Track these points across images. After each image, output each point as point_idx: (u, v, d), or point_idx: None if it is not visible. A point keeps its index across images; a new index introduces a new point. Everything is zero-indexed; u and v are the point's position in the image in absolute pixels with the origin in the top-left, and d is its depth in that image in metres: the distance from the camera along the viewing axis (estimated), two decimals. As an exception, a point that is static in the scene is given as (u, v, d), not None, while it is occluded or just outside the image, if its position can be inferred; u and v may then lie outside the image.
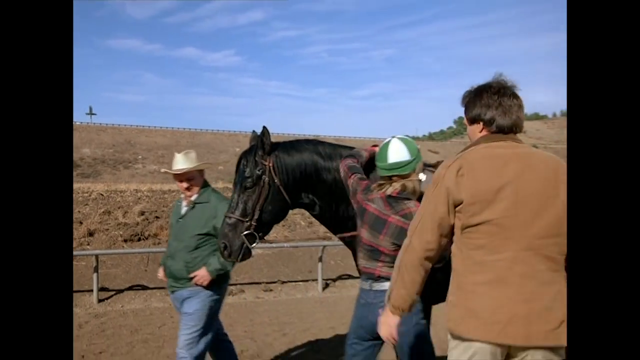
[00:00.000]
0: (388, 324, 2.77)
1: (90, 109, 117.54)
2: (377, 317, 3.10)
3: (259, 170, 3.74)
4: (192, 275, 4.48)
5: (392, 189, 3.38)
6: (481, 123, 2.64)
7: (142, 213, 15.52)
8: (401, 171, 3.41)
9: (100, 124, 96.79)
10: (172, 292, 4.65)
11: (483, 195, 2.40)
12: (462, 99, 2.79)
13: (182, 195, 4.78)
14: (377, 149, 3.79)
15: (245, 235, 3.72)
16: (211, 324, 4.60)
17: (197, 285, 4.47)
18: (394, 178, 3.43)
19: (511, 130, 2.61)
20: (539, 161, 2.49)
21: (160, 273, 4.88)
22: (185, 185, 4.60)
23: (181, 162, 4.60)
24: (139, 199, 18.38)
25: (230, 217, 3.76)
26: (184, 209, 4.70)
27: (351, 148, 4.07)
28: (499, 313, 2.34)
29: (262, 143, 3.77)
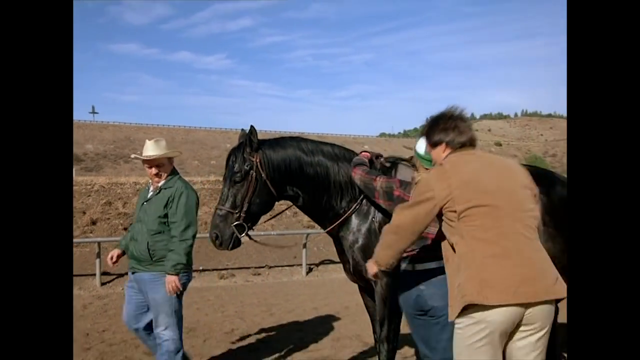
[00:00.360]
0: (371, 267, 3.11)
1: (93, 108, 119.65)
2: (421, 292, 3.31)
3: (247, 166, 3.75)
4: (166, 279, 4.17)
5: None
6: (444, 144, 2.88)
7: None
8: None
9: (102, 122, 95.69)
10: (133, 272, 4.36)
11: (469, 185, 2.64)
12: (422, 130, 3.07)
13: (150, 182, 4.56)
14: (367, 154, 3.95)
15: (235, 225, 3.74)
16: (181, 304, 4.38)
17: (170, 292, 4.18)
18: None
19: (470, 144, 2.87)
20: (496, 159, 2.92)
21: (113, 258, 4.46)
22: (154, 171, 4.36)
23: (151, 149, 4.35)
24: (138, 190, 18.20)
25: (221, 209, 3.77)
26: (150, 194, 4.46)
27: (333, 144, 4.13)
28: (509, 279, 2.51)
29: (249, 141, 3.78)
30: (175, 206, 4.27)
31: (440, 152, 2.92)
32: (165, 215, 4.27)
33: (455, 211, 2.64)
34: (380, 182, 3.59)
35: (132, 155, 4.59)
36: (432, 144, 2.96)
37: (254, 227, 3.91)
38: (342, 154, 4.06)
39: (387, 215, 3.91)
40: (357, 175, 3.75)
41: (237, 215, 3.74)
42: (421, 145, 3.46)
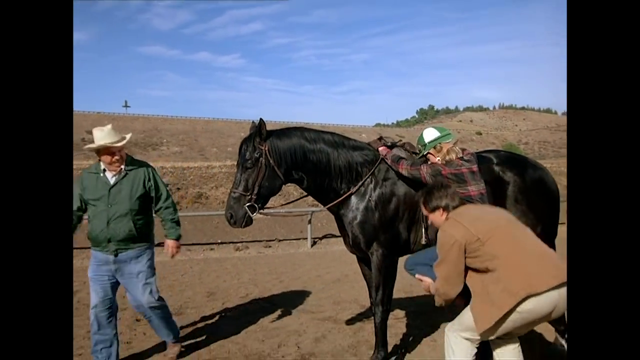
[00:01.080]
0: (426, 284, 3.25)
1: (126, 102, 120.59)
2: None
3: (257, 154, 3.72)
4: (169, 249, 4.22)
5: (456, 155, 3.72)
6: (441, 209, 3.11)
7: (167, 185, 15.47)
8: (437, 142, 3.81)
9: (134, 114, 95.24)
10: (116, 254, 3.93)
11: (478, 221, 2.91)
12: (421, 199, 3.27)
13: (101, 168, 3.98)
14: (384, 148, 4.06)
15: (247, 206, 3.72)
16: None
17: (172, 255, 4.25)
18: (432, 151, 3.82)
19: (459, 205, 3.12)
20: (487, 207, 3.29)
21: None
22: (117, 157, 3.92)
23: (112, 136, 3.90)
24: (164, 174, 18.21)
25: (234, 192, 3.74)
26: (112, 179, 3.96)
27: (332, 133, 4.09)
28: (545, 267, 2.73)
29: (259, 131, 3.75)
30: (154, 182, 4.13)
31: (439, 216, 3.12)
32: (144, 195, 4.04)
33: (479, 239, 2.81)
34: (425, 169, 3.66)
35: (96, 145, 3.85)
36: (431, 210, 3.15)
37: (264, 207, 3.89)
38: (341, 141, 4.02)
39: (383, 196, 3.89)
40: (403, 168, 3.80)
41: (249, 197, 3.71)
42: (428, 135, 3.85)
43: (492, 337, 2.91)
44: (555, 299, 2.66)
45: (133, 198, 3.96)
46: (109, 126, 4.00)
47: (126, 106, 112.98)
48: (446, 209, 3.09)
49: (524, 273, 2.69)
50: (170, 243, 4.25)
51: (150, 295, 4.09)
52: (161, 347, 4.62)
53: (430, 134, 3.87)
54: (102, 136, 3.86)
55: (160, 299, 4.21)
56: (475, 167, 3.67)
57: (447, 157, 3.69)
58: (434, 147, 3.80)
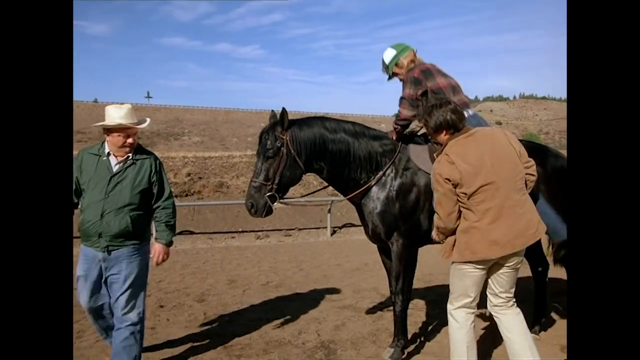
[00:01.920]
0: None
1: (148, 93, 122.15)
2: None
3: (278, 143, 3.69)
4: (157, 254, 3.61)
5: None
6: (444, 130, 3.08)
7: (189, 175, 15.61)
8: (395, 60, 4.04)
9: (156, 105, 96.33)
10: (109, 251, 3.39)
11: (473, 172, 2.90)
12: (422, 120, 3.25)
13: (106, 150, 3.50)
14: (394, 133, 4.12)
15: (268, 196, 3.69)
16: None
17: (157, 262, 3.62)
18: (396, 69, 4.05)
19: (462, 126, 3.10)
20: (488, 134, 3.07)
21: None
22: (130, 141, 3.47)
23: (133, 117, 3.48)
24: (186, 163, 18.39)
25: (255, 182, 3.71)
26: (115, 165, 3.47)
27: (353, 123, 4.06)
28: (508, 235, 2.92)
29: (281, 120, 3.72)
30: (159, 177, 3.63)
31: (443, 136, 3.10)
32: (147, 189, 3.55)
33: (465, 193, 2.92)
34: (404, 103, 3.94)
35: (109, 123, 3.40)
36: (434, 130, 3.11)
37: (284, 197, 3.88)
38: (362, 130, 3.99)
39: (403, 186, 3.87)
40: (395, 123, 4.03)
41: (270, 187, 3.69)
42: (387, 56, 4.06)
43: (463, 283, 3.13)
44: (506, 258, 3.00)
45: (135, 190, 3.46)
46: (129, 105, 3.51)
47: (148, 97, 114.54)
48: (449, 128, 3.04)
49: (488, 239, 2.91)
50: (159, 248, 3.64)
51: (131, 309, 3.47)
52: (185, 333, 4.69)
53: (388, 54, 4.07)
54: (120, 115, 3.41)
55: (141, 317, 3.54)
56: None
57: (410, 67, 3.94)
58: (396, 65, 4.03)
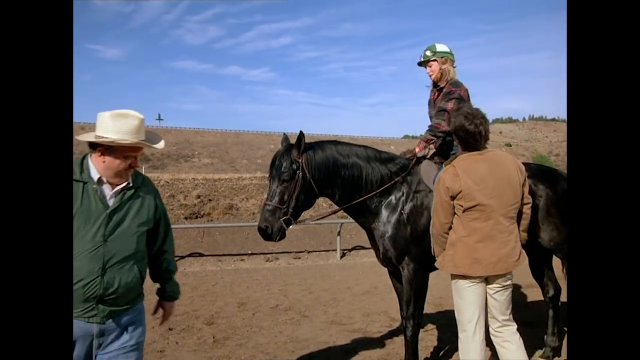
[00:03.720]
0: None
1: (159, 115, 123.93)
2: None
3: (294, 166, 3.68)
4: (167, 313, 2.92)
5: None
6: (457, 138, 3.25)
7: (199, 197, 15.64)
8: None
9: (167, 127, 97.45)
10: (103, 321, 2.34)
11: (472, 187, 3.00)
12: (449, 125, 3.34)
13: (94, 174, 2.35)
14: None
15: (284, 220, 3.67)
16: None
17: (163, 322, 2.95)
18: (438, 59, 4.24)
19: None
20: (498, 157, 3.16)
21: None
22: (134, 163, 2.44)
23: (143, 131, 2.43)
24: (196, 185, 18.45)
25: (269, 205, 3.66)
26: (111, 198, 2.38)
27: (365, 147, 4.07)
28: (491, 258, 3.03)
29: (298, 144, 3.70)
30: (161, 212, 2.65)
31: (458, 144, 3.28)
32: (150, 229, 2.56)
33: (462, 206, 3.04)
34: (448, 115, 3.97)
35: (124, 141, 2.30)
36: (454, 130, 3.21)
37: (296, 221, 3.86)
38: (374, 155, 4.00)
39: (415, 209, 3.86)
40: (429, 131, 4.24)
41: (285, 210, 3.66)
42: (440, 46, 4.23)
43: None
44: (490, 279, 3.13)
45: (140, 231, 2.47)
46: (140, 115, 2.42)
47: (159, 119, 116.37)
48: (468, 139, 3.11)
49: (471, 256, 3.04)
50: (168, 307, 2.91)
51: None
52: (194, 357, 4.66)
53: (443, 47, 4.24)
54: (131, 128, 2.34)
55: None
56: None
57: (454, 80, 4.15)
58: (443, 62, 4.19)
